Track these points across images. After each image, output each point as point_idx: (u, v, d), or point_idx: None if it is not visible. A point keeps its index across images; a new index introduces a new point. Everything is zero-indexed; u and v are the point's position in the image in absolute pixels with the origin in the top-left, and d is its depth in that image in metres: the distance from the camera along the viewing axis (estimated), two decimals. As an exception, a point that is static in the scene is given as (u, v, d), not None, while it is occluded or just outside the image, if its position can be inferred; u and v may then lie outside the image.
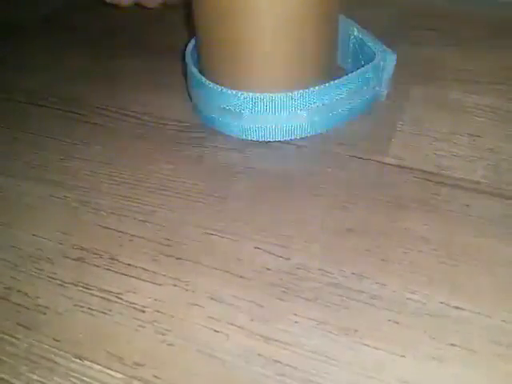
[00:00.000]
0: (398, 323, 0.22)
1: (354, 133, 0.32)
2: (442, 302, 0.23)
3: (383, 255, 0.25)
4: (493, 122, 0.33)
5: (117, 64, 0.41)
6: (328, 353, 0.22)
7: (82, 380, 0.21)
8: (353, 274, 0.24)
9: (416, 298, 0.23)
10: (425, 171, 0.29)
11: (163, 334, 0.23)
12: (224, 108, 0.31)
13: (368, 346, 0.22)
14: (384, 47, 0.33)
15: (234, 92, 0.30)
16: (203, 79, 0.32)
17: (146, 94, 0.37)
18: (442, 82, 0.36)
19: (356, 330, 0.22)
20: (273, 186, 0.29)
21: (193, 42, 0.35)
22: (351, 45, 0.35)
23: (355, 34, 0.35)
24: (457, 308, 0.23)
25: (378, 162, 0.30)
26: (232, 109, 0.31)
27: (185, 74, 0.35)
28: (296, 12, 0.29)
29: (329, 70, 0.32)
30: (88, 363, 0.22)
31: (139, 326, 0.23)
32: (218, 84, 0.31)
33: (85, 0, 0.50)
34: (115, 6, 0.40)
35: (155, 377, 0.21)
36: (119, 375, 0.21)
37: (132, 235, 0.27)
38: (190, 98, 0.35)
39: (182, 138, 0.33)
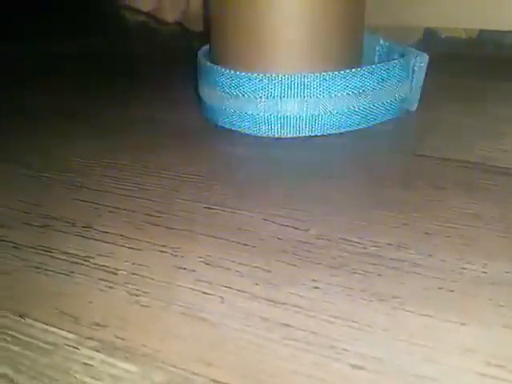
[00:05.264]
0: (452, 291, 0.17)
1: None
2: (508, 272, 0.17)
3: (425, 228, 0.20)
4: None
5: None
6: (357, 318, 0.16)
7: (17, 338, 0.15)
8: (388, 244, 0.19)
9: (473, 268, 0.18)
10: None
11: (137, 296, 0.17)
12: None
13: (412, 312, 0.16)
14: (414, 49, 0.30)
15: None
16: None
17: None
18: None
19: (395, 297, 0.16)
20: (288, 171, 0.25)
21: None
22: (377, 53, 0.32)
23: (381, 42, 0.32)
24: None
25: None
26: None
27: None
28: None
29: (354, 61, 0.29)
30: (30, 321, 0.16)
31: (107, 287, 0.17)
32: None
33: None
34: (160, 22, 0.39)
35: (118, 338, 0.15)
36: (70, 335, 0.15)
37: (114, 207, 0.22)
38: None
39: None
